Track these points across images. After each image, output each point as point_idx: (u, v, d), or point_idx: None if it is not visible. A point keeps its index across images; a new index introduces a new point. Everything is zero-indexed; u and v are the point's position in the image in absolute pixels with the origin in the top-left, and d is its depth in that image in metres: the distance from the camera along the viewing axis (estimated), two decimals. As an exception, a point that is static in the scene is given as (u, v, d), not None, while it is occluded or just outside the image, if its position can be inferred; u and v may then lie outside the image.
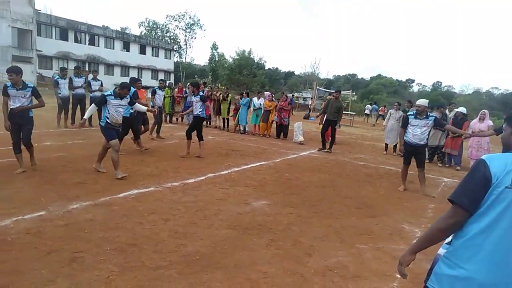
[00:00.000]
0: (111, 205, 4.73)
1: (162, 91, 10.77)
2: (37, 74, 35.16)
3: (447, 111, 10.40)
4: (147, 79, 49.39)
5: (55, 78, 11.22)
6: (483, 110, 9.65)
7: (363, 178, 7.60)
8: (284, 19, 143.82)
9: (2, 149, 7.40)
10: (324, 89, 43.20)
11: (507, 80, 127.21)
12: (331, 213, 5.19)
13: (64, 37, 40.86)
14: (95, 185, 5.49)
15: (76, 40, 42.21)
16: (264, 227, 4.42)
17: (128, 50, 48.32)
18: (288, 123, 13.28)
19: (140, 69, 49.49)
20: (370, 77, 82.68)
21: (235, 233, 4.17)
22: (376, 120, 27.68)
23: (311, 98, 35.76)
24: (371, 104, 32.91)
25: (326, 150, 10.79)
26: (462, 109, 9.97)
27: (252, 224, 4.48)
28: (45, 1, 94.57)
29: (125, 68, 47.57)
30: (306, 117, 25.63)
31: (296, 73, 77.15)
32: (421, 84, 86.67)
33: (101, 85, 11.62)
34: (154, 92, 10.46)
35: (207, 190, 5.78)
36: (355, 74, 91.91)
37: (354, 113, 26.09)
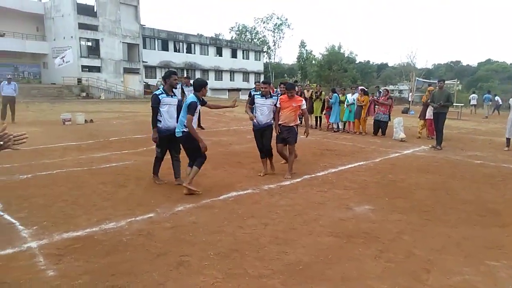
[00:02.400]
0: (212, 207, 4.83)
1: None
2: (144, 83, 38.99)
3: None
4: (239, 81, 51.37)
5: (160, 86, 12.13)
6: None
7: (483, 179, 6.61)
8: (374, 8, 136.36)
9: (116, 153, 8.21)
10: (424, 80, 39.74)
11: None
12: (448, 220, 4.56)
13: (165, 47, 44.65)
14: (197, 187, 5.68)
15: (175, 50, 45.79)
16: (370, 235, 4.05)
17: (220, 55, 50.78)
18: (388, 120, 12.35)
19: (232, 72, 51.64)
20: (478, 63, 73.76)
21: (339, 241, 3.89)
22: (493, 112, 24.40)
23: (410, 90, 33.08)
24: (474, 93, 29.10)
25: (433, 147, 9.76)
26: None
27: (356, 231, 4.14)
28: (149, 16, 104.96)
29: (218, 72, 50.10)
30: (405, 111, 23.77)
31: (390, 64, 72.56)
32: (544, 66, 74.11)
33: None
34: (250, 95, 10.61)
35: (304, 193, 5.58)
36: (459, 61, 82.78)
37: (462, 104, 23.29)
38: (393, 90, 47.39)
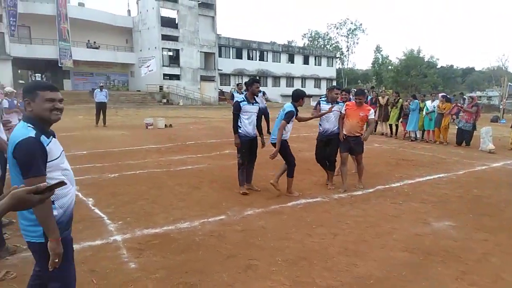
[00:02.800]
0: (281, 213, 4.86)
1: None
2: (218, 90, 40.68)
3: None
4: (310, 88, 51.02)
5: (233, 92, 12.53)
6: None
7: None
8: (457, 8, 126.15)
9: (192, 156, 8.66)
10: (518, 85, 35.74)
11: None
12: None
13: (239, 55, 46.13)
14: (266, 192, 5.77)
15: (248, 57, 47.04)
16: (451, 254, 3.74)
17: (292, 62, 50.97)
18: (473, 128, 11.30)
19: (303, 78, 51.51)
20: None
21: (414, 258, 3.65)
22: None
23: (501, 97, 29.95)
24: None
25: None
26: None
27: (434, 249, 3.86)
28: (225, 26, 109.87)
29: (290, 79, 50.31)
30: (494, 120, 21.55)
31: (477, 68, 66.40)
32: None
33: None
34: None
35: (377, 204, 5.34)
36: None
37: None
38: (480, 96, 43.37)
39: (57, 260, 1.95)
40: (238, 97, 8.30)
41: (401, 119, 13.01)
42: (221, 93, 40.84)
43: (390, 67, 50.55)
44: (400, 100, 13.13)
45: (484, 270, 3.41)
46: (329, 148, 6.13)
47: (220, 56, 42.49)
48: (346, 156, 6.11)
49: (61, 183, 1.33)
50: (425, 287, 3.10)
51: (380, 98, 13.57)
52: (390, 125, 13.39)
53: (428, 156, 9.39)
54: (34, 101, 1.97)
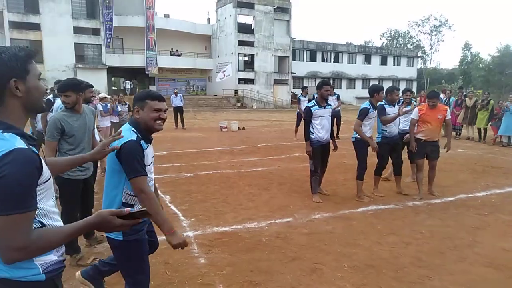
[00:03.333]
0: (350, 219, 4.73)
1: None
2: (291, 93, 40.79)
3: None
4: (387, 90, 48.53)
5: (299, 97, 12.46)
6: None
7: None
8: None
9: (262, 158, 8.83)
10: None
11: None
12: None
13: (313, 58, 45.76)
14: (335, 197, 5.67)
15: (322, 60, 46.41)
16: (545, 274, 3.31)
17: (369, 63, 49.07)
18: None
19: (380, 80, 49.20)
20: None
21: (499, 275, 3.31)
22: None
23: None
24: None
25: None
26: None
27: (524, 267, 3.45)
28: (299, 28, 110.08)
29: (365, 81, 48.48)
30: None
31: None
32: None
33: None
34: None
35: (457, 214, 4.93)
36: None
37: None
38: None
39: (180, 248, 2.15)
40: (305, 101, 8.31)
41: (490, 123, 11.80)
42: (294, 96, 40.89)
43: (480, 65, 46.03)
44: (491, 101, 11.91)
45: None
46: (396, 152, 5.91)
47: (294, 59, 42.57)
48: (422, 163, 5.72)
49: (144, 214, 1.34)
50: (510, 309, 2.80)
51: (467, 99, 12.47)
52: (478, 129, 12.20)
53: (524, 164, 8.38)
54: (143, 109, 2.16)
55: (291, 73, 41.14)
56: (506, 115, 11.03)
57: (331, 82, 42.26)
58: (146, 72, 34.95)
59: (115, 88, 30.27)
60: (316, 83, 6.18)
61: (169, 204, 5.26)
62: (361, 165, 5.49)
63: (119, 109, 11.06)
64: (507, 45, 42.58)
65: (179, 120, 15.45)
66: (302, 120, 6.26)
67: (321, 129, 5.34)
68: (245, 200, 5.51)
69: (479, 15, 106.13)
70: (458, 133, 12.91)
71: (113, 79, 35.42)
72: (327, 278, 3.23)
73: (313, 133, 5.34)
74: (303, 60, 44.99)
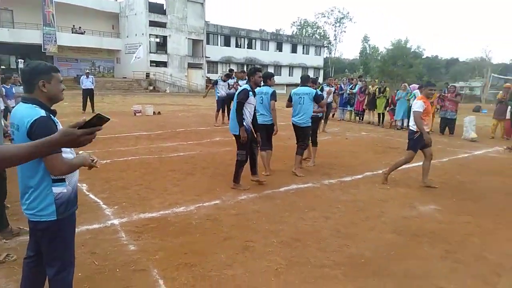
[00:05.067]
0: (274, 198, 4.99)
1: (331, 87, 11.17)
2: (206, 78, 40.39)
3: None
4: (297, 77, 51.00)
5: (217, 79, 12.39)
6: None
7: None
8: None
9: (183, 143, 8.70)
10: (500, 76, 36.62)
11: None
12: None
13: (227, 43, 45.75)
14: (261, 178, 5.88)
15: (237, 45, 46.70)
16: (437, 235, 3.94)
17: (280, 50, 50.84)
18: (455, 118, 11.66)
19: (291, 67, 51.49)
20: None
21: (402, 239, 3.84)
22: None
23: (483, 87, 30.66)
24: None
25: (509, 148, 9.06)
26: None
27: (421, 230, 4.06)
28: (213, 13, 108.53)
29: (278, 68, 50.24)
30: (477, 110, 22.09)
31: (461, 59, 67.49)
32: None
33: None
34: (322, 89, 10.90)
35: (366, 190, 5.53)
36: (544, 55, 74.42)
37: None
38: (463, 87, 44.20)
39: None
40: (224, 85, 8.40)
41: (388, 108, 13.27)
42: (208, 80, 40.61)
43: (377, 57, 51.00)
44: (387, 89, 13.37)
45: (467, 250, 3.63)
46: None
47: (208, 43, 42.08)
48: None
49: (100, 118, 1.32)
50: (412, 265, 3.29)
51: (370, 86, 13.80)
52: (378, 114, 13.64)
53: (414, 144, 9.64)
54: (50, 83, 2.05)
55: (206, 57, 40.66)
56: (400, 101, 12.50)
57: (245, 68, 42.98)
58: (43, 50, 31.28)
59: (4, 67, 26.42)
60: (234, 68, 6.25)
61: (87, 193, 4.93)
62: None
63: (14, 91, 9.82)
64: (399, 40, 47.75)
65: (88, 104, 14.29)
66: (232, 105, 5.99)
67: (250, 117, 5.27)
68: (170, 185, 5.41)
69: (376, 11, 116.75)
70: (361, 118, 14.26)
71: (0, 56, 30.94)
72: (258, 254, 3.40)
73: (245, 120, 5.15)
74: (218, 45, 44.74)
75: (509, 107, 10.89)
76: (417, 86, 12.90)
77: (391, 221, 4.32)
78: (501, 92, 11.91)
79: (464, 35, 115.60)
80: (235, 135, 5.29)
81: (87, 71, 15.12)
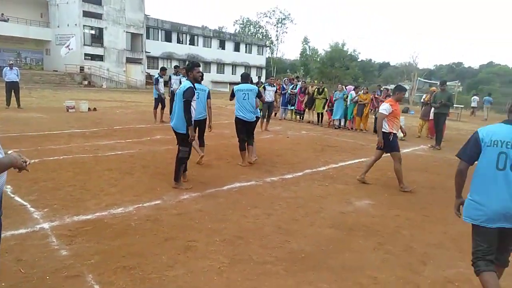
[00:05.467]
0: (217, 197, 4.96)
1: (272, 86, 11.43)
2: (146, 74, 38.98)
3: None
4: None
5: (155, 77, 11.97)
6: None
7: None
8: (378, 5, 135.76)
9: (121, 141, 8.32)
10: (425, 80, 39.86)
11: None
12: (445, 218, 4.70)
13: (168, 38, 44.57)
14: (201, 177, 5.82)
15: (178, 41, 45.69)
16: (370, 229, 4.19)
17: (223, 48, 50.70)
18: None
19: (234, 65, 51.59)
20: (479, 66, 73.77)
21: (339, 233, 4.03)
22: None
23: (410, 90, 33.22)
24: (476, 95, 28.98)
25: (432, 146, 9.92)
26: None
27: (356, 225, 4.29)
28: (154, 6, 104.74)
29: (220, 65, 50.08)
30: (405, 111, 23.88)
31: (392, 63, 72.58)
32: (546, 71, 73.89)
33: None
34: (264, 89, 11.20)
35: (306, 187, 5.71)
36: (461, 63, 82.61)
37: (462, 106, 23.45)
38: (394, 89, 47.52)
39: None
40: (162, 82, 8.29)
41: (326, 108, 13.84)
42: (149, 76, 39.25)
43: (317, 58, 52.93)
44: (325, 90, 13.94)
45: (397, 241, 3.91)
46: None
47: (148, 38, 40.67)
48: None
49: None
50: (349, 258, 3.47)
51: (309, 87, 14.27)
52: (317, 113, 14.16)
53: (350, 143, 10.18)
54: None
55: (146, 52, 39.25)
56: (337, 102, 13.11)
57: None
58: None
59: None
60: (173, 65, 6.09)
61: (12, 195, 4.51)
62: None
63: None
64: (337, 43, 50.02)
65: (13, 98, 13.07)
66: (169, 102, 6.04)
67: (194, 111, 5.26)
68: (106, 185, 5.14)
69: (316, 14, 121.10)
70: (301, 117, 14.71)
71: None
72: (201, 253, 3.36)
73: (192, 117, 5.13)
74: (158, 40, 43.44)
75: (433, 108, 11.90)
76: (352, 87, 13.66)
77: (330, 216, 4.51)
78: (425, 95, 13.00)
79: (394, 41, 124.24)
80: (179, 133, 5.20)
81: (11, 62, 13.81)
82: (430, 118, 11.92)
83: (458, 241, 4.00)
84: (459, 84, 43.60)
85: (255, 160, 6.89)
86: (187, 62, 34.42)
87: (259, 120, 11.50)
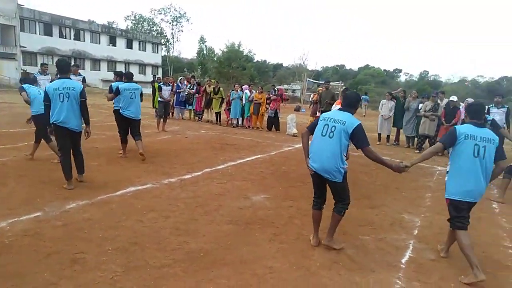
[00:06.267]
0: (109, 203, 4.64)
1: (167, 86, 11.29)
2: (22, 71, 34.33)
3: (438, 100, 10.43)
4: (135, 74, 48.79)
5: (34, 75, 10.71)
6: (467, 99, 9.85)
7: (360, 169, 7.62)
8: (271, 8, 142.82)
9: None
10: (313, 81, 43.28)
11: (492, 69, 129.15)
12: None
13: (48, 32, 39.93)
14: (91, 183, 5.38)
15: (60, 35, 41.29)
16: (266, 221, 4.39)
17: (114, 45, 47.50)
18: (275, 116, 13.34)
19: (127, 63, 48.77)
20: (358, 68, 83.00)
21: (237, 228, 4.13)
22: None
23: (302, 90, 35.74)
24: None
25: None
26: (453, 98, 10.05)
27: (253, 218, 4.45)
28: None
29: (112, 63, 46.83)
30: (297, 109, 25.63)
31: (285, 65, 77.10)
32: (408, 73, 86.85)
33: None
34: (160, 88, 11.09)
35: (205, 186, 5.71)
36: (343, 65, 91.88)
37: (344, 104, 26.09)
38: (287, 89, 50.56)
39: None
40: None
41: (224, 107, 14.04)
42: (25, 74, 34.68)
43: (214, 58, 53.21)
44: (221, 89, 14.14)
45: (290, 230, 4.16)
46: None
47: (23, 30, 35.89)
48: None
49: None
50: (246, 251, 3.57)
51: (207, 86, 14.27)
52: (216, 113, 14.27)
53: (247, 141, 10.51)
54: None
55: (21, 46, 34.59)
56: (234, 101, 13.41)
57: (72, 61, 38.47)
58: None
59: None
60: (55, 61, 5.56)
61: None
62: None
63: None
64: (233, 43, 50.99)
65: None
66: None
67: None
68: (-29, 200, 4.40)
69: (212, 13, 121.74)
70: (200, 117, 14.66)
71: None
72: (91, 265, 3.11)
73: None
74: (36, 33, 38.64)
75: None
76: (247, 86, 14.11)
77: (228, 213, 4.59)
78: (312, 94, 14.14)
79: (286, 43, 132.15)
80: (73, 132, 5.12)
81: None
82: (318, 115, 13.02)
83: (342, 225, 4.41)
84: (342, 84, 48.46)
85: (141, 153, 6.94)
86: (74, 59, 31.34)
87: (156, 120, 11.21)
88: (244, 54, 51.37)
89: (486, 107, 9.76)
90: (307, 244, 3.82)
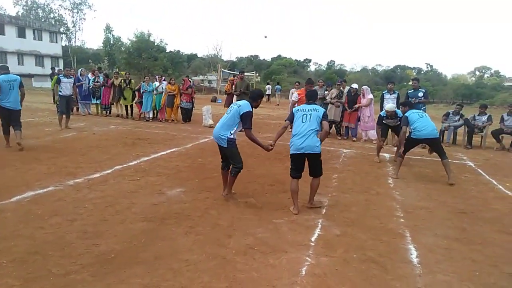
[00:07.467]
0: (2, 212, 4.15)
1: (68, 78, 10.28)
2: None
3: (341, 88, 11.26)
4: (30, 66, 43.93)
5: None
6: (362, 87, 10.85)
7: (274, 156, 7.90)
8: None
9: None
10: (229, 71, 43.50)
11: (388, 58, 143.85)
12: (247, 193, 5.32)
13: None
14: (-21, 192, 4.74)
15: None
16: (182, 214, 4.34)
17: (3, 34, 41.93)
18: (192, 107, 13.21)
19: (20, 54, 43.52)
20: (271, 58, 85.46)
21: (152, 225, 4.02)
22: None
23: (217, 81, 35.71)
24: (269, 84, 33.81)
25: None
26: (354, 85, 10.96)
27: (168, 213, 4.36)
28: None
29: (2, 54, 41.35)
30: (214, 100, 25.56)
31: (199, 55, 76.00)
32: (317, 63, 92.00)
33: None
34: (59, 81, 10.20)
35: (115, 184, 5.43)
36: (257, 56, 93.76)
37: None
38: (203, 80, 50.02)
39: None
40: None
41: (135, 100, 13.40)
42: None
43: (122, 48, 50.16)
44: (132, 81, 13.47)
45: (206, 221, 4.18)
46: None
47: None
48: None
49: None
50: (161, 247, 3.50)
51: (114, 79, 13.42)
52: (126, 106, 13.54)
53: (162, 134, 10.20)
54: None
55: None
56: (146, 94, 12.87)
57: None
58: None
59: None
60: None
61: None
62: None
63: None
64: (143, 32, 48.57)
65: None
66: None
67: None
68: None
69: (118, 1, 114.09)
70: (108, 111, 13.79)
71: None
72: (-19, 283, 2.77)
73: None
74: None
75: (235, 96, 13.12)
76: (162, 78, 13.66)
77: (141, 210, 4.43)
78: (225, 85, 14.21)
79: (200, 33, 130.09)
80: None
81: None
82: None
83: (258, 210, 4.60)
84: (257, 74, 49.56)
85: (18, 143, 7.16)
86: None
87: (58, 117, 10.26)
88: (156, 44, 49.40)
89: (381, 93, 10.88)
90: (223, 233, 3.88)
